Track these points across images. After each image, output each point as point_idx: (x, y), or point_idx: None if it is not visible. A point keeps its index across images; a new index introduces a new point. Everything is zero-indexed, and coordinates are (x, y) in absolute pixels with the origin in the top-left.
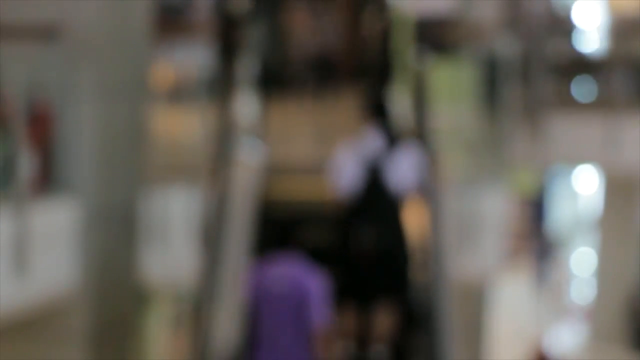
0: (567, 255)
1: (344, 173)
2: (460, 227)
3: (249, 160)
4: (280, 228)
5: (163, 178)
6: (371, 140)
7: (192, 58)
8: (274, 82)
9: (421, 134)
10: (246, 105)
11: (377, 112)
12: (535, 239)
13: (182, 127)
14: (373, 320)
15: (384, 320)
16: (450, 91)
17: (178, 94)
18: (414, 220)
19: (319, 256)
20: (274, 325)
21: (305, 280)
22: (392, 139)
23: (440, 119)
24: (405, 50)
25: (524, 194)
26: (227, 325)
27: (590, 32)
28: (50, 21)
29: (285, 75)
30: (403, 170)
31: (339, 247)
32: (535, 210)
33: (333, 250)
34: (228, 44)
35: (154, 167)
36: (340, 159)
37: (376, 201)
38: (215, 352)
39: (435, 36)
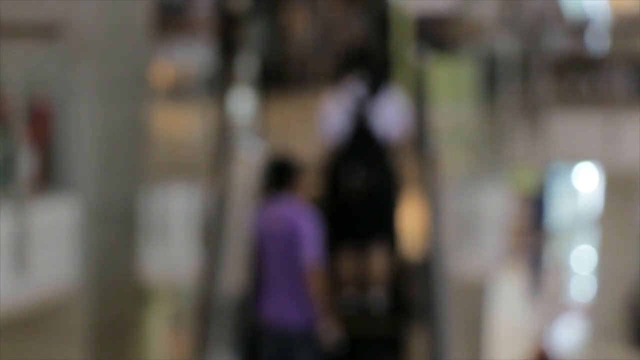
0: (567, 253)
1: (331, 122)
2: (460, 224)
3: (249, 158)
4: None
5: (163, 176)
6: (356, 89)
7: (192, 56)
8: (274, 79)
9: (421, 132)
10: (246, 102)
11: (360, 61)
12: (535, 236)
13: (182, 125)
14: (369, 262)
15: (379, 262)
16: (450, 89)
17: (178, 92)
18: (412, 218)
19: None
20: (272, 264)
21: (296, 218)
22: (376, 87)
23: (440, 117)
24: (406, 48)
25: (523, 192)
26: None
27: (591, 30)
28: (50, 20)
29: (286, 73)
30: (388, 116)
31: (330, 188)
32: (535, 208)
33: (325, 193)
34: (228, 41)
35: (153, 164)
36: (326, 108)
37: (364, 145)
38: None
39: (436, 34)
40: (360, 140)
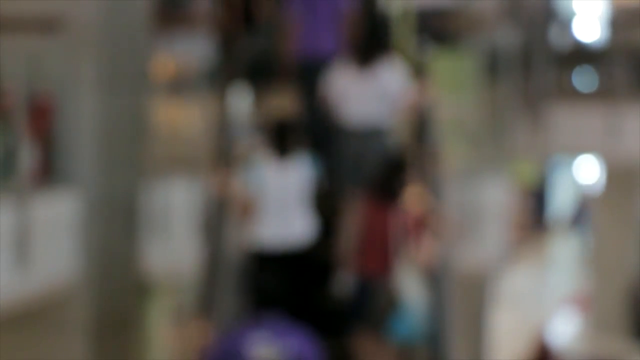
0: (567, 245)
1: None
2: (462, 217)
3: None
4: None
5: (164, 169)
6: None
7: (193, 49)
8: (274, 74)
9: (422, 126)
10: (246, 97)
11: None
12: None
13: (183, 118)
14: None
15: None
16: (451, 82)
17: (179, 86)
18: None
19: None
20: (311, 9)
21: None
22: None
23: (442, 110)
24: (407, 41)
25: (525, 184)
26: None
27: (591, 22)
28: (51, 14)
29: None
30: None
31: None
32: (536, 200)
33: None
34: (228, 36)
35: (154, 158)
36: None
37: None
38: None
39: (437, 27)
40: None
